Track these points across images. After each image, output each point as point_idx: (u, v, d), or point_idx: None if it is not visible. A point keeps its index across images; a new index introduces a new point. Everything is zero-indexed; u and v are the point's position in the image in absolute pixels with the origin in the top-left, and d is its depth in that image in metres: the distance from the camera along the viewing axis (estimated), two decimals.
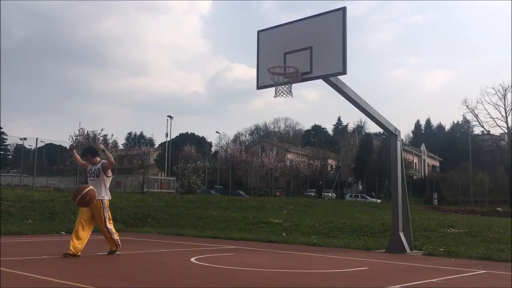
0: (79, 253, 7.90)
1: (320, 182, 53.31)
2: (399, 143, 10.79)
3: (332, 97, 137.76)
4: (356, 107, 10.05)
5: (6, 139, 71.11)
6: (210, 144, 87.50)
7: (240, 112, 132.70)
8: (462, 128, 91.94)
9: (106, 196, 8.34)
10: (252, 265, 7.09)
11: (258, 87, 10.05)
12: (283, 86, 9.41)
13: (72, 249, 7.82)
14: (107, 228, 8.31)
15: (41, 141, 42.35)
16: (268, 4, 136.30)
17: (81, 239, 7.96)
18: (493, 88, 79.65)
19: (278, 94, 9.45)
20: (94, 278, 6.06)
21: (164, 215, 18.56)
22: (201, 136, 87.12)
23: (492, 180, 61.44)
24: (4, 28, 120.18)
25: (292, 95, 9.35)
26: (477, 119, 58.83)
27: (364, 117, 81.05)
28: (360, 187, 59.72)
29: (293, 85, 9.46)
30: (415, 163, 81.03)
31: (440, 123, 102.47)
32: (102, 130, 32.61)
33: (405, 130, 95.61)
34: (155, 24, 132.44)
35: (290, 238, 13.35)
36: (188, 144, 48.49)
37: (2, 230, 12.67)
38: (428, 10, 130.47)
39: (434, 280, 6.44)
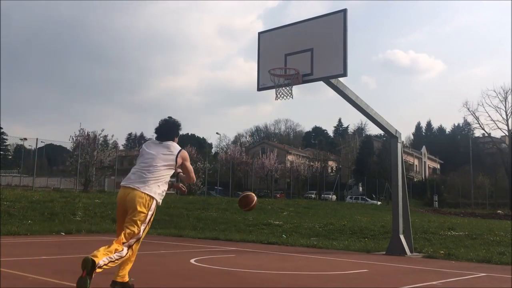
0: None
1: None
2: (399, 145, 10.78)
3: (333, 99, 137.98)
4: (357, 109, 10.04)
5: (6, 139, 71.08)
6: (210, 145, 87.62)
7: (241, 113, 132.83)
8: (463, 131, 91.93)
9: None
10: (252, 267, 7.08)
11: (259, 89, 10.05)
12: (283, 88, 9.40)
13: None
14: None
15: (41, 142, 42.36)
16: (269, 4, 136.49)
17: None
18: (494, 91, 79.99)
19: (278, 96, 9.45)
20: (94, 279, 6.04)
21: (164, 216, 18.53)
22: (201, 137, 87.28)
23: (492, 182, 61.42)
24: (4, 28, 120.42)
25: (292, 97, 9.36)
26: (478, 121, 58.73)
27: (364, 119, 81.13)
28: (361, 189, 59.71)
29: (294, 87, 9.47)
30: (416, 165, 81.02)
31: (441, 126, 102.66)
32: (102, 130, 32.48)
33: (406, 132, 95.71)
34: (156, 24, 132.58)
35: (290, 240, 13.34)
36: (188, 145, 48.42)
37: (2, 230, 12.66)
38: (431, 13, 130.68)
39: (434, 282, 6.42)
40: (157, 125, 5.39)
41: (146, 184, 4.92)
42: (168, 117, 5.57)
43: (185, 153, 5.27)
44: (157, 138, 5.31)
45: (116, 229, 5.21)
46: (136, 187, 4.88)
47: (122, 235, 4.83)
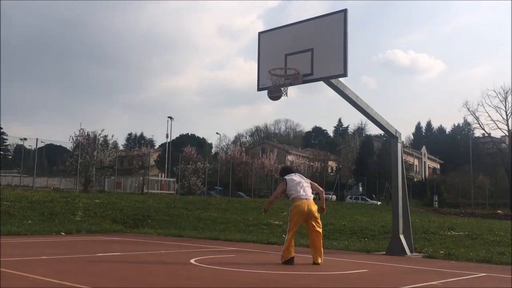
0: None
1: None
2: (399, 145, 10.78)
3: (333, 99, 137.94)
4: (357, 109, 10.04)
5: (6, 139, 71.15)
6: (210, 146, 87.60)
7: (241, 113, 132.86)
8: (463, 131, 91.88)
9: None
10: (252, 267, 7.08)
11: (259, 89, 10.04)
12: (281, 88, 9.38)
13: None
14: None
15: (41, 142, 42.45)
16: (269, 4, 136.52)
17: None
18: (494, 91, 79.69)
19: (272, 92, 9.39)
20: (94, 279, 6.05)
21: (164, 216, 18.54)
22: (201, 137, 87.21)
23: (492, 182, 61.41)
24: (4, 28, 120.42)
25: (287, 95, 9.35)
26: (478, 121, 58.61)
27: (364, 119, 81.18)
28: (361, 189, 59.67)
29: (294, 87, 9.48)
30: (416, 165, 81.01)
31: (441, 126, 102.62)
32: (102, 130, 32.46)
33: (406, 132, 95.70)
34: (156, 24, 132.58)
35: None
36: (188, 145, 48.34)
37: (2, 230, 12.66)
38: (431, 13, 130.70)
39: (434, 282, 6.42)
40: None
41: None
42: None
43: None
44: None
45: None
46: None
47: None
